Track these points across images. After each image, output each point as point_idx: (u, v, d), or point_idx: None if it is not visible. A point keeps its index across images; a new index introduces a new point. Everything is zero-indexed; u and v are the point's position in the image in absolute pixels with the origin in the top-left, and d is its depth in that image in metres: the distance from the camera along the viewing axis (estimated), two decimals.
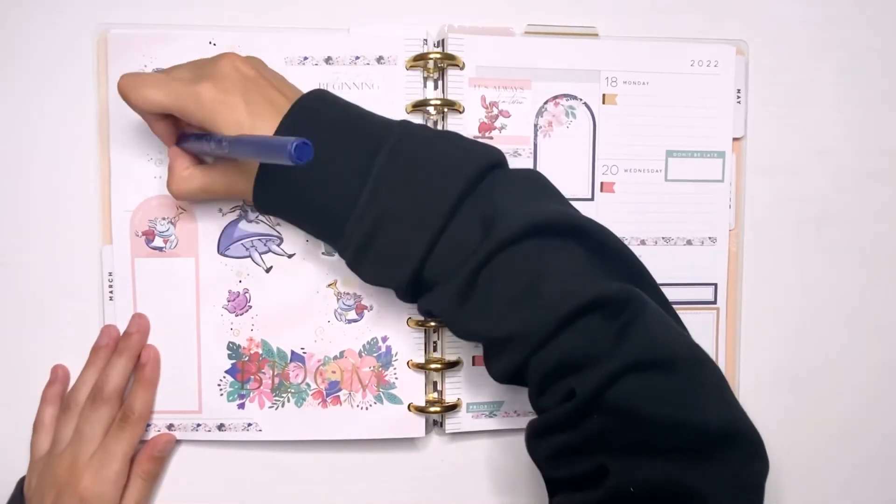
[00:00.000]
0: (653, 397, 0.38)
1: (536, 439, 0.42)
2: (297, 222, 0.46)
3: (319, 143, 0.39)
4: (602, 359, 0.39)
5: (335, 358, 0.51)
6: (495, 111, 0.51)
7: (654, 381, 0.39)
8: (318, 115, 0.43)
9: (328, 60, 0.50)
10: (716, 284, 0.54)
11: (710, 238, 0.54)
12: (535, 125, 0.52)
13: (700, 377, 0.40)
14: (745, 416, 0.40)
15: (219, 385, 0.51)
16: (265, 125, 0.42)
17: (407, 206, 0.42)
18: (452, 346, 0.52)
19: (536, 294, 0.40)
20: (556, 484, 0.42)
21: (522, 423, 0.53)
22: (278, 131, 0.42)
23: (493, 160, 0.43)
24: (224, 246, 0.51)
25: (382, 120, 0.44)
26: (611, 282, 0.41)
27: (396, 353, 0.52)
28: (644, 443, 0.38)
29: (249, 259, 0.51)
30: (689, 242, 0.54)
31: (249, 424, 0.51)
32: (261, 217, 0.51)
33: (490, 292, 0.41)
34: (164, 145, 0.48)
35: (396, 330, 0.52)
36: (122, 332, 0.50)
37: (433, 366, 0.51)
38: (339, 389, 0.51)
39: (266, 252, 0.51)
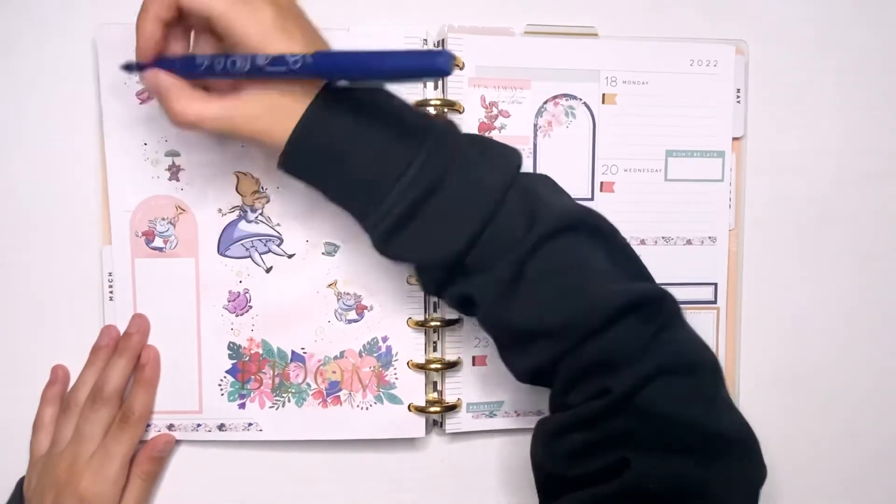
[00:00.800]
0: (679, 400, 0.40)
1: (555, 438, 0.42)
2: (325, 185, 0.43)
3: (361, 124, 0.40)
4: (639, 359, 0.40)
5: (335, 358, 0.51)
6: (495, 111, 0.51)
7: (680, 384, 0.40)
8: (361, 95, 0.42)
9: None
10: (716, 284, 0.54)
11: (709, 238, 0.54)
12: (535, 125, 0.52)
13: (716, 382, 0.42)
14: (747, 422, 0.42)
15: (219, 385, 0.51)
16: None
17: (458, 184, 0.41)
18: (452, 347, 0.52)
19: (581, 291, 0.41)
20: (565, 482, 0.42)
21: (522, 423, 0.53)
22: (313, 104, 0.40)
23: (520, 160, 0.44)
24: (224, 246, 0.51)
25: (422, 111, 0.45)
26: (643, 283, 0.43)
27: (396, 353, 0.52)
28: (664, 442, 0.39)
29: (249, 259, 0.51)
30: (688, 242, 0.54)
31: (250, 424, 0.51)
32: (260, 217, 0.51)
33: (537, 284, 0.41)
34: (159, 139, 0.49)
35: (397, 330, 0.52)
36: (122, 332, 0.50)
37: (433, 366, 0.51)
38: (340, 389, 0.51)
39: (266, 252, 0.51)
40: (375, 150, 0.41)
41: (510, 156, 0.44)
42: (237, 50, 0.40)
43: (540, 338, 0.42)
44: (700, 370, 0.42)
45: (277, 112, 0.40)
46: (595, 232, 0.43)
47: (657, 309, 0.42)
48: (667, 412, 0.40)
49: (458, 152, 0.42)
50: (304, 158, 0.42)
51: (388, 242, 0.42)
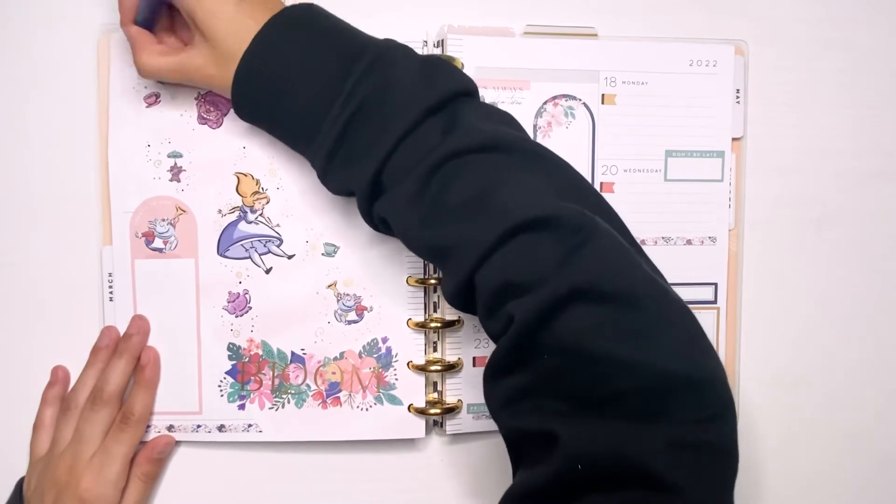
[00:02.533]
0: (604, 333, 0.36)
1: (492, 383, 0.40)
2: (271, 125, 0.46)
3: (305, 47, 0.41)
4: (546, 281, 0.37)
5: (335, 359, 0.51)
6: None
7: (606, 314, 0.36)
8: (308, 18, 0.43)
9: None
10: (716, 284, 0.54)
11: (709, 238, 0.54)
12: (535, 126, 0.52)
13: (664, 316, 0.37)
14: (716, 365, 0.37)
15: (219, 386, 0.51)
16: (249, 21, 0.43)
17: (378, 112, 0.41)
18: (453, 348, 0.52)
19: (487, 203, 0.39)
20: (514, 446, 0.39)
21: None
22: (266, 27, 0.43)
23: (466, 88, 0.43)
24: (224, 247, 0.51)
25: (367, 36, 0.44)
26: (570, 204, 0.39)
27: (396, 354, 0.52)
28: (594, 387, 0.35)
29: (249, 260, 0.51)
30: (688, 242, 0.53)
31: (250, 425, 0.51)
32: (260, 218, 0.51)
33: (441, 195, 0.40)
34: (162, 140, 0.49)
35: (396, 331, 0.52)
36: (121, 333, 0.50)
37: (433, 367, 0.51)
38: (340, 390, 0.51)
39: (266, 253, 0.51)
40: (312, 80, 0.42)
41: (447, 83, 0.42)
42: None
43: (449, 254, 0.40)
44: (636, 299, 0.36)
45: (224, 62, 0.44)
46: (535, 158, 0.41)
47: (575, 229, 0.37)
48: (589, 347, 0.35)
49: (389, 77, 0.42)
50: (250, 97, 0.44)
51: (327, 173, 0.44)
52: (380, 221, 0.44)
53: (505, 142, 0.41)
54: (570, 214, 0.38)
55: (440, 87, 0.42)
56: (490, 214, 0.39)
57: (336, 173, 0.43)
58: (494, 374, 0.40)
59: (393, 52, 0.43)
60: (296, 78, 0.42)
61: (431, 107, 0.41)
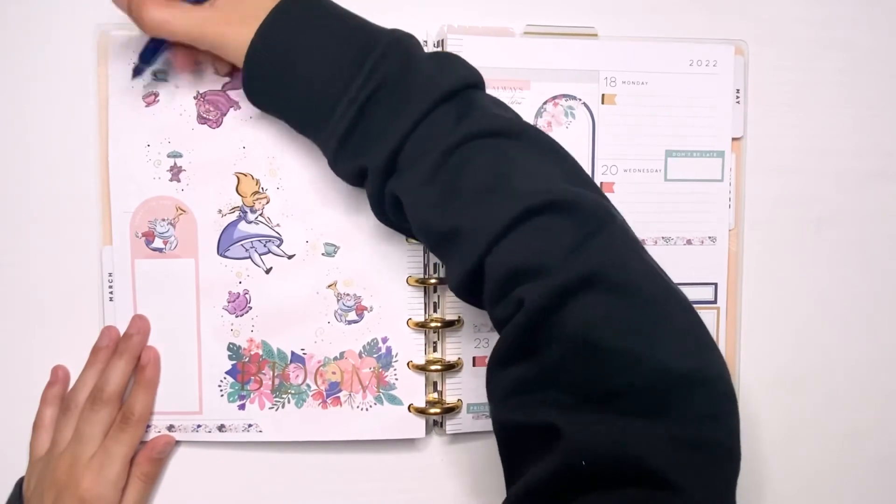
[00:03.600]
0: (610, 325, 0.36)
1: (496, 372, 0.40)
2: (280, 105, 0.45)
3: (319, 30, 0.41)
4: (557, 267, 0.37)
5: (335, 359, 0.51)
6: None
7: (613, 306, 0.36)
8: (323, 3, 0.44)
9: None
10: (716, 284, 0.54)
11: (709, 238, 0.54)
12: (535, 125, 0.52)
13: (669, 313, 0.38)
14: (719, 363, 0.37)
15: (219, 386, 0.51)
16: None
17: (394, 96, 0.41)
18: (453, 347, 0.52)
19: (501, 186, 0.39)
20: (510, 440, 0.39)
21: None
22: (280, 8, 0.43)
23: (476, 80, 0.43)
24: (224, 247, 0.51)
25: (377, 25, 0.44)
26: (586, 191, 0.39)
27: (396, 354, 0.52)
28: (598, 381, 0.36)
29: (249, 260, 0.51)
30: (688, 242, 0.54)
31: (250, 425, 0.51)
32: (260, 218, 0.51)
33: (455, 177, 0.40)
34: (162, 140, 0.50)
35: (397, 331, 0.52)
36: (122, 333, 0.50)
37: (433, 367, 0.51)
38: (340, 390, 0.51)
39: (266, 253, 0.51)
40: (326, 64, 0.42)
41: (462, 71, 0.43)
42: None
43: (460, 236, 0.40)
44: (642, 294, 0.37)
45: (242, 19, 0.43)
46: (549, 148, 0.41)
47: (589, 217, 0.37)
48: (596, 338, 0.35)
49: (406, 62, 0.42)
50: (262, 76, 0.43)
51: (339, 155, 0.43)
52: (390, 205, 0.44)
53: (518, 128, 0.41)
54: (588, 201, 0.39)
55: (455, 74, 0.42)
56: (504, 197, 0.39)
57: (348, 156, 0.43)
58: (499, 363, 0.39)
59: (406, 40, 0.43)
60: (309, 60, 0.42)
61: (447, 92, 0.41)
